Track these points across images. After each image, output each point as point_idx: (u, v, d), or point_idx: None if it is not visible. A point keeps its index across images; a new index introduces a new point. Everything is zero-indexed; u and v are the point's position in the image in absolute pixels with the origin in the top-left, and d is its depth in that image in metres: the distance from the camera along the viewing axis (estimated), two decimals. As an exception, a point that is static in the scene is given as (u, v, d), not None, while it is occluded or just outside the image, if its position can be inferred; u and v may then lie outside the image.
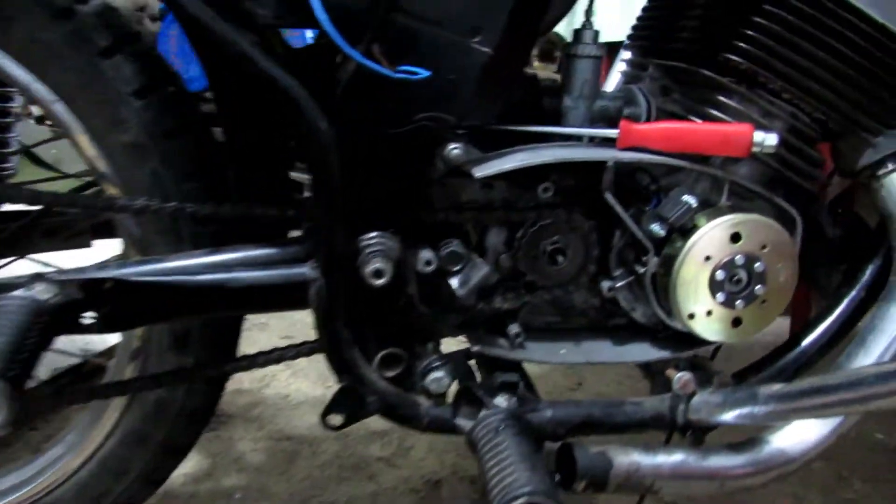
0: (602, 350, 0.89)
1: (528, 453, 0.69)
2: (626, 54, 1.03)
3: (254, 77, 0.69)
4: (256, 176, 0.82)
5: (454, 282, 0.81)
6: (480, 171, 0.77)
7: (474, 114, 0.77)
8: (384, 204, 0.79)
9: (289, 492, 1.33)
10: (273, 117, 0.78)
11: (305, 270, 0.77)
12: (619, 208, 0.81)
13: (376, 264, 0.74)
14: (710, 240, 0.79)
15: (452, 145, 0.76)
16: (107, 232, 1.07)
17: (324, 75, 0.74)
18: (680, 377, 0.85)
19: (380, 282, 0.75)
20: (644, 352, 0.89)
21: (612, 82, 1.10)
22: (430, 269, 0.80)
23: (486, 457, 0.70)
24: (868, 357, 0.81)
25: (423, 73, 0.70)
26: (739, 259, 0.80)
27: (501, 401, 0.78)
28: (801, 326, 0.91)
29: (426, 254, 0.80)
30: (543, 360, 0.87)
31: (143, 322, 0.79)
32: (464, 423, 0.78)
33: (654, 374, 0.92)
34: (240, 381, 1.68)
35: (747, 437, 0.83)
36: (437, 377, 0.81)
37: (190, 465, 1.39)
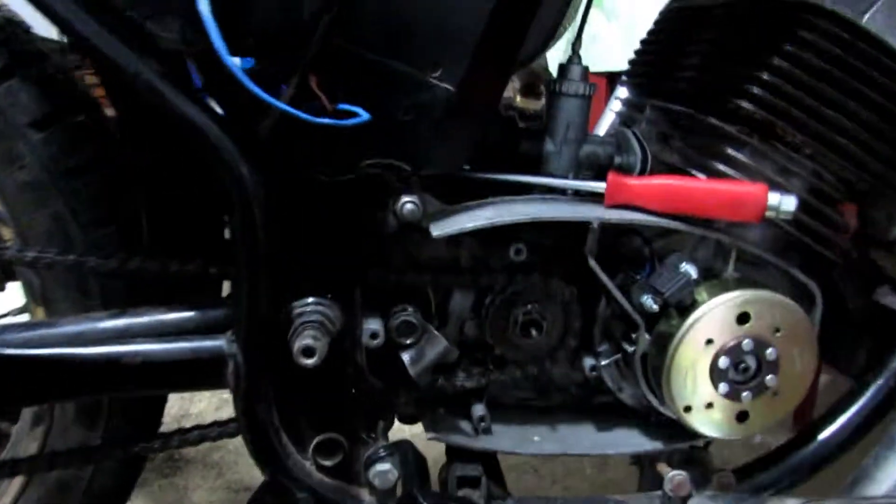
0: (582, 438, 0.75)
1: None
2: (622, 91, 0.90)
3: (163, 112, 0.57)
4: (176, 224, 0.70)
5: (406, 357, 0.68)
6: (439, 230, 0.64)
7: (435, 160, 0.65)
8: (322, 264, 0.66)
9: (242, 553, 1.22)
10: (191, 157, 0.66)
11: (222, 343, 0.64)
12: (603, 276, 0.68)
13: (306, 341, 0.61)
14: (713, 320, 0.66)
15: (405, 198, 0.64)
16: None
17: (251, 110, 0.61)
18: (673, 476, 0.71)
19: (310, 361, 0.62)
20: (632, 441, 0.76)
21: (608, 120, 0.98)
22: (378, 342, 0.68)
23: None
24: (900, 464, 0.67)
25: (362, 117, 0.57)
26: (747, 344, 0.67)
27: (450, 517, 0.65)
28: (822, 416, 0.78)
29: (373, 324, 0.68)
30: (513, 450, 0.73)
31: (21, 403, 0.66)
32: (406, 538, 0.65)
33: (643, 465, 0.79)
34: (202, 419, 1.55)
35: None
36: (382, 470, 0.67)
37: (139, 517, 1.28)
